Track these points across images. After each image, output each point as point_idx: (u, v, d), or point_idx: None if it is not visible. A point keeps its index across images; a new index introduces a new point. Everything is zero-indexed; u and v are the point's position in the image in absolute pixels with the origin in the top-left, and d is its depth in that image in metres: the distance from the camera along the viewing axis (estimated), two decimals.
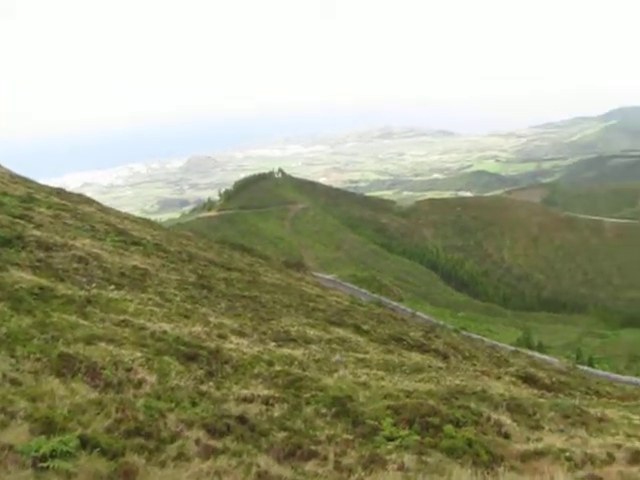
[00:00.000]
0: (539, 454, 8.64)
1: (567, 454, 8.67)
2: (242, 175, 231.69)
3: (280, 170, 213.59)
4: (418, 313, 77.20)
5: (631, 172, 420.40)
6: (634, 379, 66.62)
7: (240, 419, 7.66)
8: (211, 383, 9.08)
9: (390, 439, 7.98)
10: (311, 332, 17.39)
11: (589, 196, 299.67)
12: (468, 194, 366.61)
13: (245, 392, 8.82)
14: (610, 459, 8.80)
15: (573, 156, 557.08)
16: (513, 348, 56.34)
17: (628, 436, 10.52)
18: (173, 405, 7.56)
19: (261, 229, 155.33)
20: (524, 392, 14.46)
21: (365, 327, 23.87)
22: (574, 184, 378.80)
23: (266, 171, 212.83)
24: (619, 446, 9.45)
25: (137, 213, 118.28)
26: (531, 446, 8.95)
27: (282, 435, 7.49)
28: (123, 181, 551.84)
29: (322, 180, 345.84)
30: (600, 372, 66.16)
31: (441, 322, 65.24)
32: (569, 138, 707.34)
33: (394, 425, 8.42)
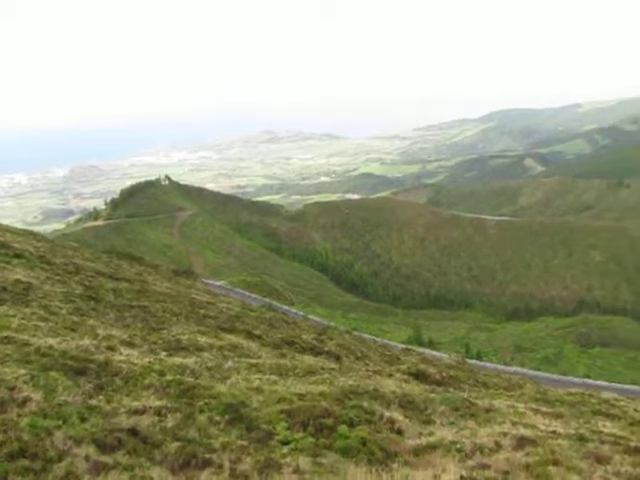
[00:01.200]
0: (431, 447, 8.82)
1: (458, 445, 8.90)
2: (128, 183, 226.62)
3: (167, 177, 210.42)
4: (310, 316, 77.59)
5: (509, 171, 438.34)
6: (519, 369, 69.36)
7: (132, 432, 7.48)
8: (101, 397, 8.82)
9: (285, 443, 7.98)
10: (202, 340, 17.17)
11: (472, 195, 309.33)
12: (355, 196, 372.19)
13: (136, 404, 8.62)
14: (498, 447, 9.12)
15: (455, 157, 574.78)
16: (404, 346, 57.31)
17: (514, 424, 10.92)
18: (61, 422, 7.29)
19: (149, 237, 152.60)
20: (416, 388, 14.73)
21: (257, 332, 23.78)
22: (457, 184, 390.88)
23: (152, 178, 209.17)
24: (506, 434, 9.81)
25: (19, 225, 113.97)
26: (423, 440, 9.13)
27: (176, 445, 7.36)
28: (3, 192, 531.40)
29: (210, 186, 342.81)
30: (488, 364, 68.50)
31: (333, 324, 65.77)
32: (451, 139, 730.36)
33: (288, 429, 8.42)
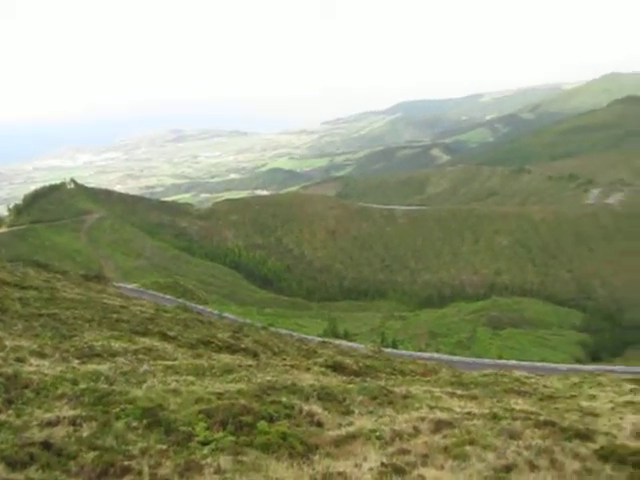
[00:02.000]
0: (352, 437, 8.91)
1: (377, 433, 9.03)
2: (32, 188, 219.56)
3: (72, 180, 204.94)
4: (225, 314, 77.36)
5: (416, 161, 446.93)
6: (435, 355, 70.92)
7: (45, 445, 7.25)
8: (10, 411, 8.50)
9: (205, 443, 7.90)
10: (116, 345, 16.83)
11: (380, 186, 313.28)
12: (265, 192, 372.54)
13: (49, 415, 8.36)
14: (416, 432, 9.31)
15: (363, 149, 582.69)
16: (321, 339, 57.76)
17: (431, 408, 11.16)
18: None
19: (56, 243, 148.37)
20: (333, 380, 14.83)
21: (172, 333, 23.51)
22: (366, 176, 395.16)
23: (57, 182, 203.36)
24: (423, 419, 10.02)
25: None
26: (343, 431, 9.21)
27: (92, 455, 7.17)
28: None
29: (117, 188, 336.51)
30: (404, 352, 69.63)
31: (249, 321, 65.71)
32: (358, 132, 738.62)
33: (208, 429, 8.34)
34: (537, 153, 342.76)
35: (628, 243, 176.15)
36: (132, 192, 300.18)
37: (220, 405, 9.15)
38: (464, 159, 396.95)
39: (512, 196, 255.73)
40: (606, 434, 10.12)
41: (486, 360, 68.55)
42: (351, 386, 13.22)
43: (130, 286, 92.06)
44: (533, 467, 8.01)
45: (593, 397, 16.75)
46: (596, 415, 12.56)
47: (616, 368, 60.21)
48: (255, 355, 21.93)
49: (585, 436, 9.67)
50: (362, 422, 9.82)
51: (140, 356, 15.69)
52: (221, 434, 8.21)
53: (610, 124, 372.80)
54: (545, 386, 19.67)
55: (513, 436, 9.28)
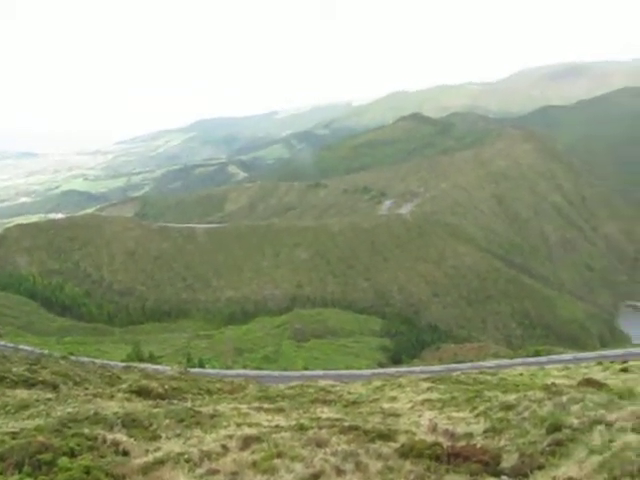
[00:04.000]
0: (159, 463, 8.76)
1: (186, 456, 8.95)
2: None
3: None
4: (21, 346, 73.51)
5: (214, 179, 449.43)
6: (242, 371, 71.15)
7: None
8: None
9: None
10: None
11: (179, 205, 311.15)
12: (60, 215, 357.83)
13: None
14: (225, 450, 9.31)
15: (160, 168, 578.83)
16: (125, 364, 56.27)
17: (239, 425, 11.20)
18: None
19: None
20: (139, 405, 14.48)
21: None
22: (164, 195, 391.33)
23: None
24: (231, 436, 10.05)
25: None
26: (151, 457, 9.04)
27: None
28: None
29: None
30: (211, 371, 69.30)
31: (47, 351, 62.77)
32: (155, 151, 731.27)
33: (1, 473, 7.83)
34: (332, 167, 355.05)
35: (419, 250, 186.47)
36: None
37: (15, 445, 8.62)
38: (262, 175, 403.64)
39: (310, 210, 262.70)
40: (406, 432, 10.66)
41: (293, 372, 69.70)
42: (157, 410, 12.97)
43: None
44: (340, 472, 8.28)
45: (394, 398, 17.57)
46: (397, 415, 13.18)
47: (415, 369, 63.37)
48: (55, 387, 20.96)
49: (387, 436, 10.12)
50: (170, 446, 9.67)
51: None
52: (16, 477, 7.74)
53: (399, 139, 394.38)
54: (349, 392, 20.34)
55: (320, 444, 9.52)
